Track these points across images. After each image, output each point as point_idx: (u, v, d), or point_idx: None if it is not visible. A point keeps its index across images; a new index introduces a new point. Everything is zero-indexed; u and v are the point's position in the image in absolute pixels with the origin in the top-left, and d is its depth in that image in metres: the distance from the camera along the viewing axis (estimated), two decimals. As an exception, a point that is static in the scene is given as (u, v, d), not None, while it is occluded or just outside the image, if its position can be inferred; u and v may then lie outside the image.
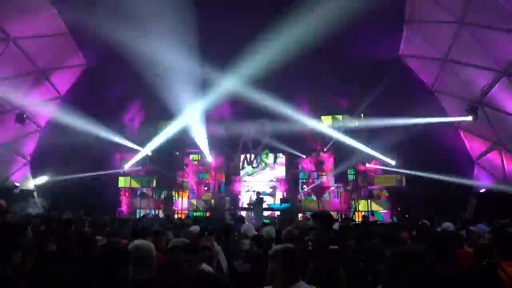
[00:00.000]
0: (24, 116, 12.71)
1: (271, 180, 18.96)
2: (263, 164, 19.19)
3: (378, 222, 10.90)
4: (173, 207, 17.84)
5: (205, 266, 3.55)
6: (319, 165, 17.81)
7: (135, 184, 18.53)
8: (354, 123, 16.78)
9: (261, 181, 19.06)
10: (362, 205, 17.15)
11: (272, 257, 2.72)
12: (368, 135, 16.29)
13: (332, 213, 8.55)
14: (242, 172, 19.26)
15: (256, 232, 6.07)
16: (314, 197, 17.93)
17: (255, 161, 19.16)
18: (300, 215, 13.86)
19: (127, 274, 2.22)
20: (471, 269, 3.43)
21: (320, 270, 2.71)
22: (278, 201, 17.68)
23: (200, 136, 17.49)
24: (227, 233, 5.71)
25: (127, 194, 18.18)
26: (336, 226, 6.89)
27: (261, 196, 16.66)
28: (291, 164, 18.74)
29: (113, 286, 2.13)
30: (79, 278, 2.84)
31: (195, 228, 6.47)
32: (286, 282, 2.62)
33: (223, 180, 19.09)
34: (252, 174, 19.28)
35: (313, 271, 2.73)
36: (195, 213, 17.37)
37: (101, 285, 2.12)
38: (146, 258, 2.84)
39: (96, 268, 2.17)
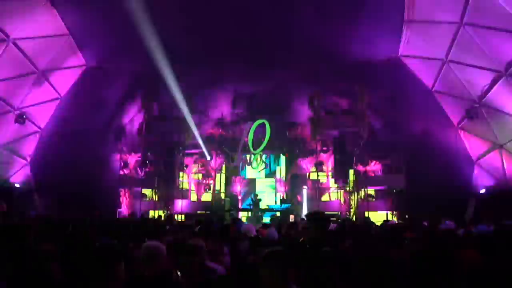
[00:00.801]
0: (24, 117, 12.70)
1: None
2: (263, 164, 19.18)
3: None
4: (173, 208, 17.84)
5: (213, 265, 3.56)
6: (319, 166, 17.81)
7: (135, 185, 18.51)
8: (354, 123, 16.78)
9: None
10: (362, 205, 17.13)
11: (262, 261, 2.60)
12: (368, 135, 16.28)
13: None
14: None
15: (255, 233, 6.07)
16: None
17: (255, 161, 19.16)
18: (291, 216, 13.79)
19: (119, 272, 2.28)
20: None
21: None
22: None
23: (200, 137, 17.49)
24: (227, 233, 5.71)
25: (127, 194, 18.16)
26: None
27: (258, 197, 16.65)
28: (291, 164, 18.73)
29: (105, 284, 2.19)
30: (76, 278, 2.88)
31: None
32: (276, 286, 2.49)
33: (223, 181, 19.10)
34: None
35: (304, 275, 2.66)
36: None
37: (93, 283, 2.18)
38: (155, 257, 3.05)
39: (89, 266, 2.25)
